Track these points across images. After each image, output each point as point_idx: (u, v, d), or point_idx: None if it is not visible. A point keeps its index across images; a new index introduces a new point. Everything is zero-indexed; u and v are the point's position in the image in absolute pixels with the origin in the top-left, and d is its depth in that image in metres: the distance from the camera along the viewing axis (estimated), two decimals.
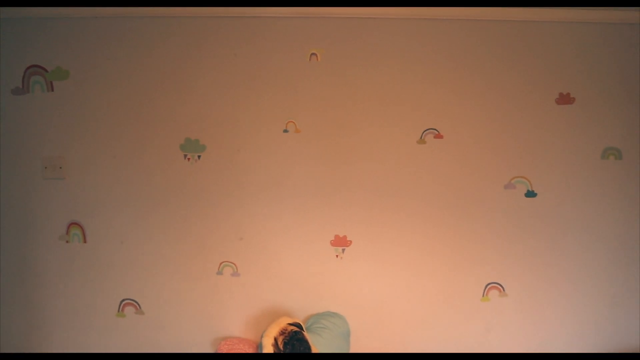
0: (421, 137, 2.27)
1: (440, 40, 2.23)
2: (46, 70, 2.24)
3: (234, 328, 2.34)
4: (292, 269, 2.31)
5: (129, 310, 2.34)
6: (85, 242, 2.31)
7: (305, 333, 2.07)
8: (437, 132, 2.27)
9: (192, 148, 2.27)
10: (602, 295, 2.32)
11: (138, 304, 2.34)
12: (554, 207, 2.29)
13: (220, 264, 2.32)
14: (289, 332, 2.04)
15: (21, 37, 2.23)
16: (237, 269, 2.32)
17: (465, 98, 2.25)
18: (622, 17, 2.19)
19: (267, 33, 2.23)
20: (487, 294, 2.33)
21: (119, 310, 2.34)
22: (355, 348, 2.30)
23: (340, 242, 2.31)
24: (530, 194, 2.28)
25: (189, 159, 2.28)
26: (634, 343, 2.34)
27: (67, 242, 2.31)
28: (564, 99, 2.25)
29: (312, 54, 2.24)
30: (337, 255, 2.31)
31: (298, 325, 2.09)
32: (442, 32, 2.23)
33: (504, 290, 2.33)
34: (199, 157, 2.27)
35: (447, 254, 2.31)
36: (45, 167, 2.27)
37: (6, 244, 2.32)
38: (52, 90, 2.25)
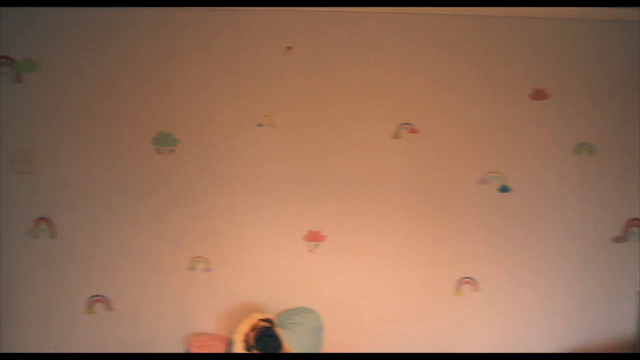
0: (396, 132, 2.26)
1: (414, 35, 2.23)
2: (15, 61, 2.20)
3: (206, 324, 2.30)
4: (266, 264, 2.29)
5: (99, 306, 2.29)
6: (54, 237, 2.26)
7: (276, 329, 2.05)
8: (412, 127, 2.26)
9: (165, 142, 2.23)
10: (575, 292, 2.33)
11: (108, 300, 2.29)
12: (527, 202, 2.30)
13: (193, 259, 2.29)
14: (260, 328, 2.02)
15: None
16: (210, 264, 2.29)
17: (440, 92, 2.25)
18: (596, 13, 2.20)
19: (241, 25, 2.20)
20: (460, 289, 2.33)
21: (88, 307, 2.29)
22: (328, 343, 2.28)
23: (314, 237, 2.29)
24: (504, 188, 2.29)
25: (161, 152, 2.24)
26: (605, 341, 2.35)
27: (34, 237, 2.26)
28: (539, 94, 2.26)
29: (288, 47, 2.22)
30: (310, 250, 2.30)
31: (270, 320, 2.07)
32: (416, 26, 2.22)
33: (477, 284, 2.33)
34: (171, 151, 2.24)
35: (421, 250, 2.31)
36: (13, 161, 2.22)
37: None
38: (22, 81, 2.21)
